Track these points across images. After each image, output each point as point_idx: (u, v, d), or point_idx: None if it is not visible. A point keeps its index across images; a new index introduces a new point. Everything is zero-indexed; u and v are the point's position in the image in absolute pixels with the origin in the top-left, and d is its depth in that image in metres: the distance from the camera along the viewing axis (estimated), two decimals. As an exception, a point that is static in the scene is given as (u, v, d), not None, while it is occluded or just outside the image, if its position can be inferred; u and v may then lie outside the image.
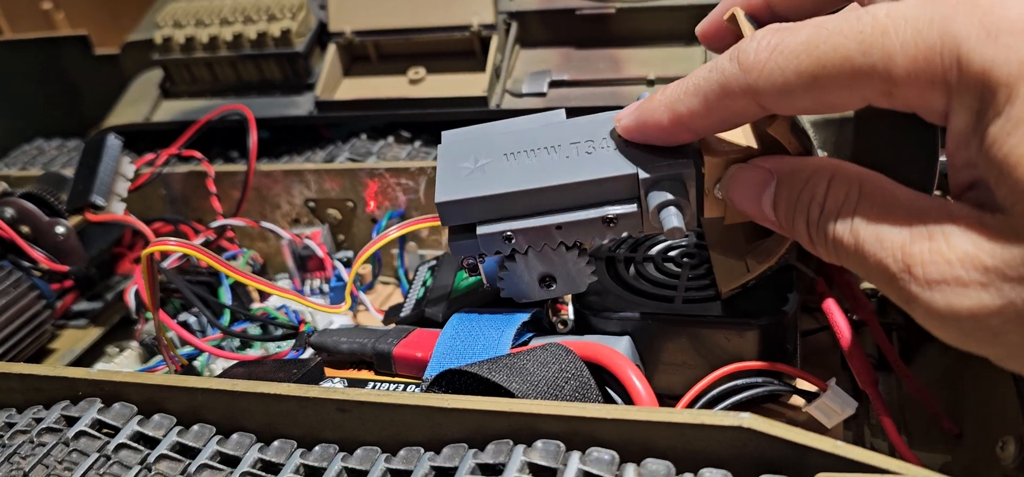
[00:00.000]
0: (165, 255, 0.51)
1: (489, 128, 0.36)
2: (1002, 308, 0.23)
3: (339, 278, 0.56)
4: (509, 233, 0.34)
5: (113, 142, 0.54)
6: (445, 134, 0.36)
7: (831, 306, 0.35)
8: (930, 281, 0.24)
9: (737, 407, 0.35)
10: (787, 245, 0.34)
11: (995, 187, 0.23)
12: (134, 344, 0.54)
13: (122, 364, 0.53)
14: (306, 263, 0.57)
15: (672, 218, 0.31)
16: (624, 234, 0.34)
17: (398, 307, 0.48)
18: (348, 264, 0.57)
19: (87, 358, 0.55)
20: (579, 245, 0.35)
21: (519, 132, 0.35)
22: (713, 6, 0.61)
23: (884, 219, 0.26)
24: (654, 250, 0.42)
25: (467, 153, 0.35)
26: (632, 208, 0.33)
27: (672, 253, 0.42)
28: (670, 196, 0.32)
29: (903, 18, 0.24)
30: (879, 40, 0.24)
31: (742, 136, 0.33)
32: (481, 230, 0.34)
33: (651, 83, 0.59)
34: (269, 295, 0.55)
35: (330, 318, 0.52)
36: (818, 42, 0.26)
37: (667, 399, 0.39)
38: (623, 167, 0.32)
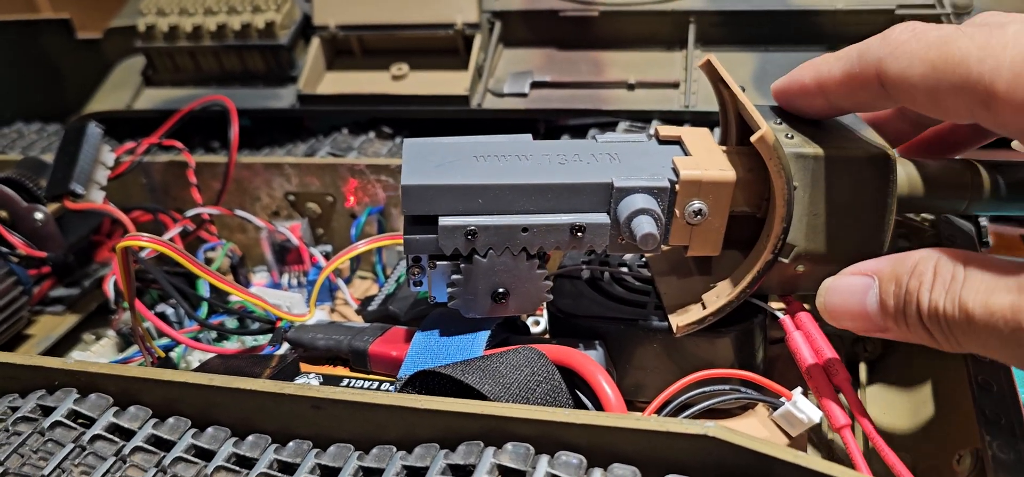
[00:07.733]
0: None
1: (454, 139, 0.35)
2: None
3: (320, 269, 0.56)
4: (473, 228, 0.32)
5: (93, 130, 0.53)
6: (407, 141, 0.35)
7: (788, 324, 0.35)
8: None
9: (704, 414, 0.36)
10: (744, 285, 0.33)
11: None
12: (111, 333, 0.54)
13: (98, 352, 0.53)
14: (285, 256, 0.57)
15: (645, 225, 0.31)
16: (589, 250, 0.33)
17: (372, 299, 0.48)
18: (328, 257, 0.57)
19: (63, 345, 0.55)
20: (541, 255, 0.34)
21: (487, 142, 0.35)
22: (692, 11, 0.62)
23: (991, 288, 0.26)
24: (629, 256, 0.43)
25: (434, 153, 0.34)
26: (603, 218, 0.32)
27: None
28: (643, 206, 0.31)
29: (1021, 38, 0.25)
30: (994, 51, 0.25)
31: (723, 162, 0.33)
32: (443, 222, 0.32)
33: (631, 87, 0.60)
34: (249, 287, 0.55)
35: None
36: (949, 41, 0.27)
37: (639, 401, 0.40)
38: (597, 175, 0.32)
